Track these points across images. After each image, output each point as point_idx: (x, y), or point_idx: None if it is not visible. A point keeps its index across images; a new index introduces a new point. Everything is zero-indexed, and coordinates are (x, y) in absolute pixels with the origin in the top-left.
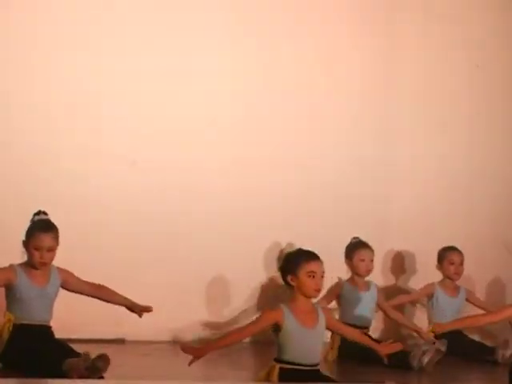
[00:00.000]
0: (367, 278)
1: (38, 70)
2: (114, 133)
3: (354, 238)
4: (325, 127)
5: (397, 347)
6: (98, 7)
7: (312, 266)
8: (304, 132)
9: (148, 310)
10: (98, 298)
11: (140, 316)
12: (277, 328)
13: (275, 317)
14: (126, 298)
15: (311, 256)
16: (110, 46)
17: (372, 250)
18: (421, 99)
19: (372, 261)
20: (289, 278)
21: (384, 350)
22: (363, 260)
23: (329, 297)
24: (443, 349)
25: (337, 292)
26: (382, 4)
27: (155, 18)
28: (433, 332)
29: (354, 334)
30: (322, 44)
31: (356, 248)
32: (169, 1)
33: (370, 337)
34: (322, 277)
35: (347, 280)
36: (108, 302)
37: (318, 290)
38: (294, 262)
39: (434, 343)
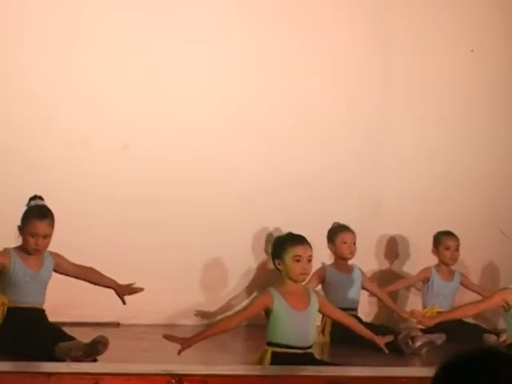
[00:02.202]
0: (351, 262)
1: (33, 60)
2: (108, 121)
3: (335, 222)
4: (318, 114)
5: (389, 338)
6: (92, 2)
7: (297, 250)
8: (295, 120)
9: (136, 291)
10: (86, 281)
11: (123, 302)
12: (268, 312)
13: (265, 302)
14: (113, 281)
15: (297, 240)
16: (104, 40)
17: (353, 233)
18: (415, 86)
19: (354, 243)
20: (276, 262)
21: (381, 340)
22: (345, 242)
23: (313, 281)
24: (439, 342)
25: (321, 276)
26: None
27: (150, 12)
28: (420, 324)
29: (348, 321)
30: (318, 39)
31: (338, 231)
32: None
33: (361, 321)
34: (310, 261)
35: (330, 264)
36: (96, 284)
37: (305, 274)
38: (281, 247)
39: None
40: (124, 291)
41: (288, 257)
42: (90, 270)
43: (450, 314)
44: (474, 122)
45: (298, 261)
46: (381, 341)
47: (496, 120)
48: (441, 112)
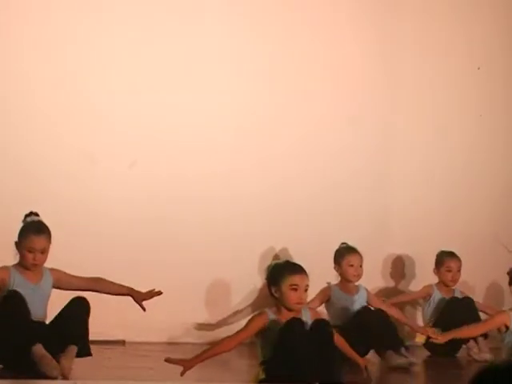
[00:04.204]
0: (357, 282)
1: (35, 71)
2: (114, 135)
3: (343, 243)
4: (322, 132)
5: (369, 362)
6: (97, 7)
7: (295, 279)
8: (301, 137)
9: (154, 294)
10: (97, 291)
11: (143, 309)
12: (262, 331)
13: (262, 322)
14: (127, 287)
15: (294, 269)
16: (110, 51)
17: (361, 256)
18: (421, 102)
19: (361, 266)
20: (273, 289)
21: (364, 362)
22: (352, 265)
23: (318, 299)
24: (417, 362)
25: (326, 296)
26: (383, 6)
27: (155, 18)
28: (434, 341)
29: (337, 339)
30: (325, 49)
31: (345, 253)
32: (171, 5)
33: None
34: (306, 290)
35: (336, 284)
36: (108, 293)
37: (301, 303)
38: (278, 274)
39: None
40: (142, 296)
41: (285, 285)
42: (98, 279)
43: (459, 333)
44: (480, 140)
45: (295, 290)
46: (363, 363)
47: (503, 138)
48: (446, 129)
